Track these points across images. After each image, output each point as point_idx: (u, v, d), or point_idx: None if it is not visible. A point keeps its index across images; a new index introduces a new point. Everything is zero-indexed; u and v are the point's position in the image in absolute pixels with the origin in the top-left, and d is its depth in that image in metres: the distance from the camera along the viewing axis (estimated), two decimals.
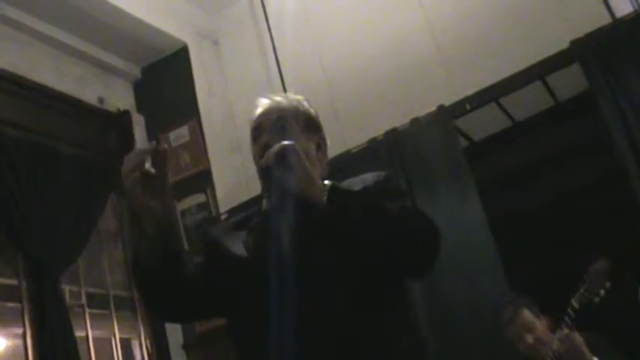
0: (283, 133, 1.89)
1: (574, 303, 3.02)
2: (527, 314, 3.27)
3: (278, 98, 2.01)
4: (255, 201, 4.40)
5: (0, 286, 3.60)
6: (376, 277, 1.67)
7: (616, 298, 2.98)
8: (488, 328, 3.40)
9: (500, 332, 3.31)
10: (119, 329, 4.15)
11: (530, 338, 3.22)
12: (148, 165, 1.73)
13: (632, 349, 3.35)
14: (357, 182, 1.87)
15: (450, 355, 2.10)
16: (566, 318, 3.05)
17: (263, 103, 1.99)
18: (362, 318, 1.65)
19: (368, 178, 1.88)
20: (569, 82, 4.38)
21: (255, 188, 4.61)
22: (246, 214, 2.00)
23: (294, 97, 2.04)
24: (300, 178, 1.68)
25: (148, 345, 4.30)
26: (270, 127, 1.92)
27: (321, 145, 2.01)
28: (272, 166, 1.69)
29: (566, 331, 3.03)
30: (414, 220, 1.70)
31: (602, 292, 2.95)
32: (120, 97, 4.88)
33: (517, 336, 3.26)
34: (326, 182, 1.69)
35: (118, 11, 4.41)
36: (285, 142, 1.72)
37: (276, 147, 1.71)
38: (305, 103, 2.03)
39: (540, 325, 3.26)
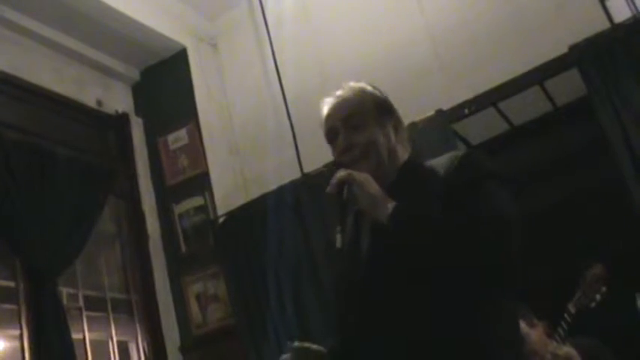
0: (357, 130, 1.89)
1: (570, 308, 3.02)
2: (520, 326, 3.24)
3: (341, 92, 1.99)
4: (253, 204, 4.42)
5: None
6: (455, 287, 1.64)
7: (613, 303, 2.98)
8: None
9: None
10: (116, 332, 4.14)
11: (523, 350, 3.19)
12: None
13: (629, 355, 3.35)
14: (433, 169, 1.84)
15: None
16: (563, 323, 3.05)
17: (329, 102, 1.97)
18: (438, 327, 1.65)
19: (444, 163, 1.83)
20: (568, 86, 4.38)
21: (253, 191, 4.65)
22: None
23: (356, 87, 2.01)
24: (364, 203, 1.75)
25: (145, 347, 4.29)
26: (342, 127, 1.91)
27: (397, 126, 1.99)
28: (336, 196, 1.77)
29: (564, 348, 3.01)
30: (476, 231, 1.63)
31: (597, 296, 2.95)
32: (118, 100, 4.88)
33: None
34: (390, 205, 1.71)
35: (117, 14, 4.42)
36: (342, 173, 1.77)
37: (335, 177, 1.77)
38: (369, 89, 2.01)
39: (535, 334, 3.23)
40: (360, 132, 1.89)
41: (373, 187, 1.75)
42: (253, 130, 4.92)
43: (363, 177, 1.77)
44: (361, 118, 1.91)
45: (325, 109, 1.97)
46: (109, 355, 4.06)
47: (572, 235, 4.89)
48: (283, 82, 4.79)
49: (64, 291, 3.85)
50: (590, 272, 3.00)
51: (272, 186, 4.39)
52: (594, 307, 2.97)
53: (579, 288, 3.01)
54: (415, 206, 1.73)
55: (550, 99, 4.89)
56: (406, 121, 3.98)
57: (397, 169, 1.90)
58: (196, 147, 4.71)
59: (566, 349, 3.02)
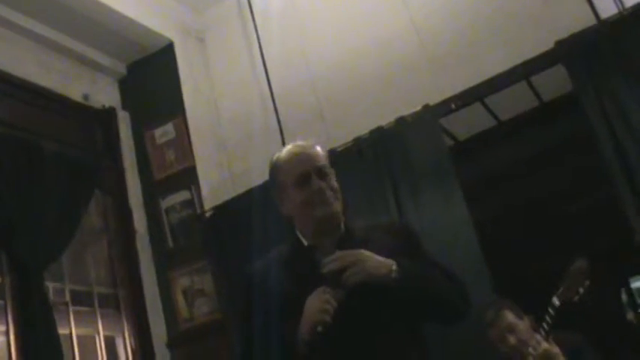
0: (326, 178, 2.15)
1: (554, 301, 3.04)
2: (509, 315, 3.27)
3: (304, 144, 2.24)
4: (240, 198, 4.41)
5: None
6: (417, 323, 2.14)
7: (599, 297, 3.00)
8: (472, 328, 3.40)
9: (483, 333, 3.32)
10: (103, 327, 4.13)
11: (512, 339, 3.22)
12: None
13: (612, 348, 3.37)
14: (376, 229, 2.21)
15: (432, 354, 2.13)
16: (547, 317, 3.08)
17: (296, 151, 2.21)
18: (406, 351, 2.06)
19: (389, 227, 2.27)
20: (554, 82, 4.39)
21: (240, 185, 4.64)
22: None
23: (313, 143, 2.26)
24: (373, 276, 1.95)
25: (132, 342, 4.28)
26: (314, 174, 2.13)
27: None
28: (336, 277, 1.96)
29: (543, 344, 3.04)
30: (455, 291, 2.10)
31: (581, 290, 2.98)
32: (105, 94, 4.86)
33: (499, 337, 3.26)
34: (393, 267, 1.97)
35: (103, 8, 4.39)
36: (349, 257, 1.97)
37: (351, 268, 1.95)
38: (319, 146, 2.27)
39: (523, 325, 3.26)
40: (328, 180, 2.15)
41: (373, 256, 2.00)
42: (240, 125, 4.92)
43: (365, 255, 1.99)
44: (327, 169, 2.18)
45: (292, 156, 2.20)
46: (96, 350, 4.05)
47: (560, 229, 4.92)
48: (270, 76, 4.79)
49: (51, 286, 3.84)
50: (573, 266, 3.02)
51: (259, 180, 4.37)
52: (579, 300, 2.99)
53: (563, 282, 3.03)
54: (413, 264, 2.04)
55: (536, 94, 4.91)
56: (393, 115, 4.04)
57: (343, 219, 2.19)
58: (183, 141, 4.70)
59: (545, 347, 3.05)
